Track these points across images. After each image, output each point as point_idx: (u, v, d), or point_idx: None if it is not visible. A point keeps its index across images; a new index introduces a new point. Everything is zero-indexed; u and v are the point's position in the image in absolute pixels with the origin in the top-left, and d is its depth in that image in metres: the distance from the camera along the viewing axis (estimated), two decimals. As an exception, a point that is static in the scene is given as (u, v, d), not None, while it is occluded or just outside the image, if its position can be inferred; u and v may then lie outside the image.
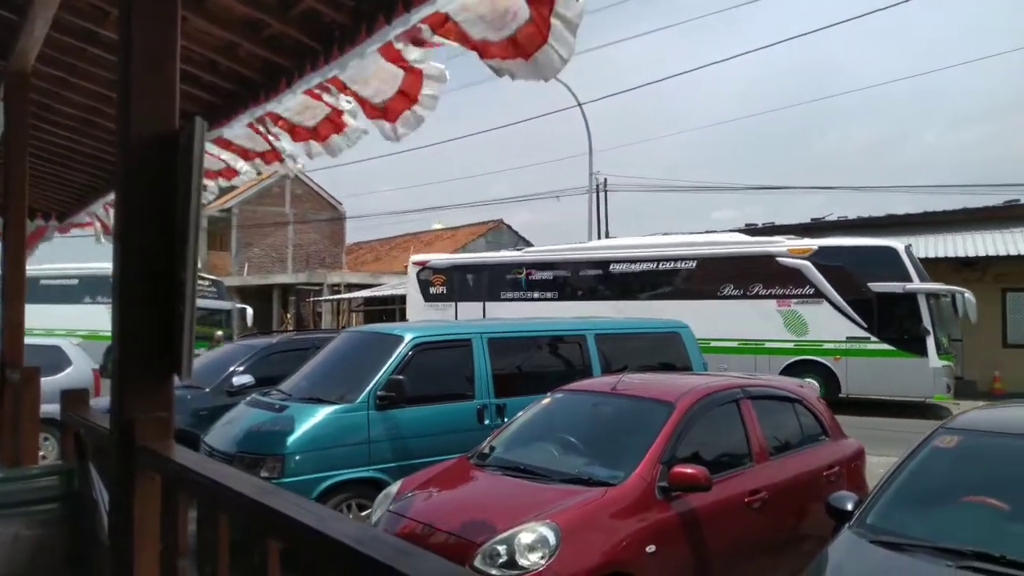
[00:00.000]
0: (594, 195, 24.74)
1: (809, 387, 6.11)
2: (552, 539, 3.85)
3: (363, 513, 5.64)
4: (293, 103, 3.22)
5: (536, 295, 17.82)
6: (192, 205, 1.56)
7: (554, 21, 1.93)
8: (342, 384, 6.42)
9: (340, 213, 37.22)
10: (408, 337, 6.57)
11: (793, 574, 3.48)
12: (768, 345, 15.07)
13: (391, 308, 30.15)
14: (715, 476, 4.43)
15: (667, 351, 8.59)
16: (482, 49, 2.16)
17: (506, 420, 6.13)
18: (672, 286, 16.40)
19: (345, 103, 3.01)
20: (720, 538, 4.46)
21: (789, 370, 14.61)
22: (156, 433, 1.56)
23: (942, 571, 3.07)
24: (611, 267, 17.11)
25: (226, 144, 4.00)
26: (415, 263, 19.80)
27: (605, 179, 25.45)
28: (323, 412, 6.00)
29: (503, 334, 7.34)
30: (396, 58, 2.58)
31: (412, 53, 2.48)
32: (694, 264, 16.17)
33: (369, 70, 2.60)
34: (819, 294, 14.70)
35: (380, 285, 31.91)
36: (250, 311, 23.98)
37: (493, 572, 3.78)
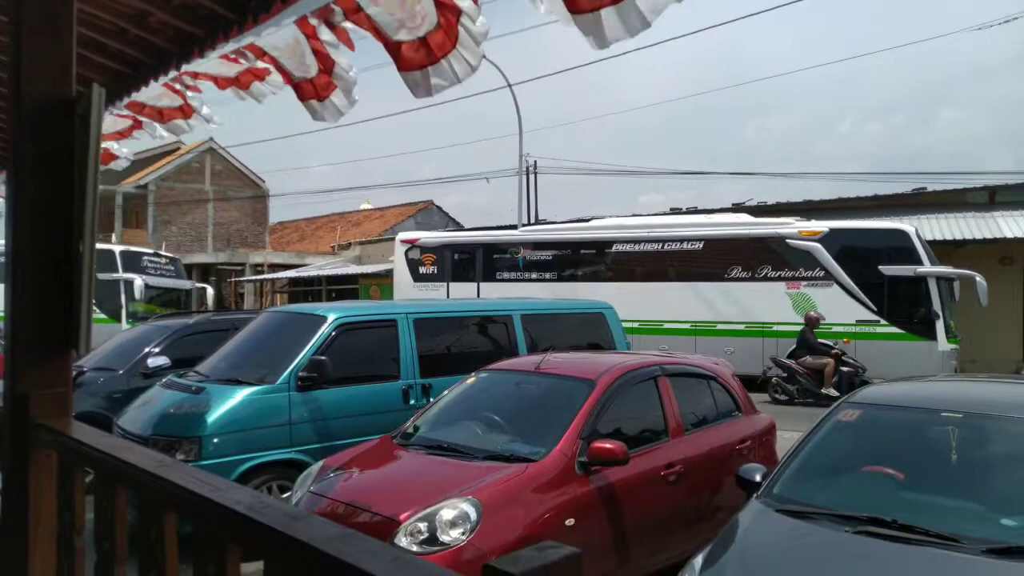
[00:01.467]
0: (524, 177, 24.80)
1: (724, 364, 6.32)
2: (473, 515, 3.89)
3: (284, 495, 5.57)
4: (211, 64, 3.12)
5: (534, 276, 17.30)
6: (89, 175, 1.50)
7: (461, 31, 1.97)
8: (262, 365, 6.29)
9: (263, 191, 36.22)
10: (331, 317, 6.48)
11: (706, 543, 3.62)
12: (776, 328, 14.77)
13: (317, 289, 29.64)
14: (633, 451, 4.56)
15: (592, 331, 8.73)
16: (395, 53, 2.17)
17: (432, 400, 6.14)
18: (678, 267, 15.97)
19: (263, 66, 2.94)
20: (638, 510, 4.60)
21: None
22: (53, 409, 1.50)
23: (840, 536, 3.25)
24: (614, 247, 16.59)
25: (139, 108, 3.84)
26: (403, 241, 18.95)
27: (535, 161, 25.57)
28: (242, 393, 5.88)
29: (429, 314, 7.33)
30: (312, 34, 2.53)
31: (325, 34, 2.44)
32: (701, 245, 15.72)
33: (287, 40, 2.55)
34: (829, 276, 14.46)
35: (306, 265, 31.29)
36: (211, 290, 22.41)
37: (415, 549, 3.80)
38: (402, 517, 3.91)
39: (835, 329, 14.31)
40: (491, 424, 5.06)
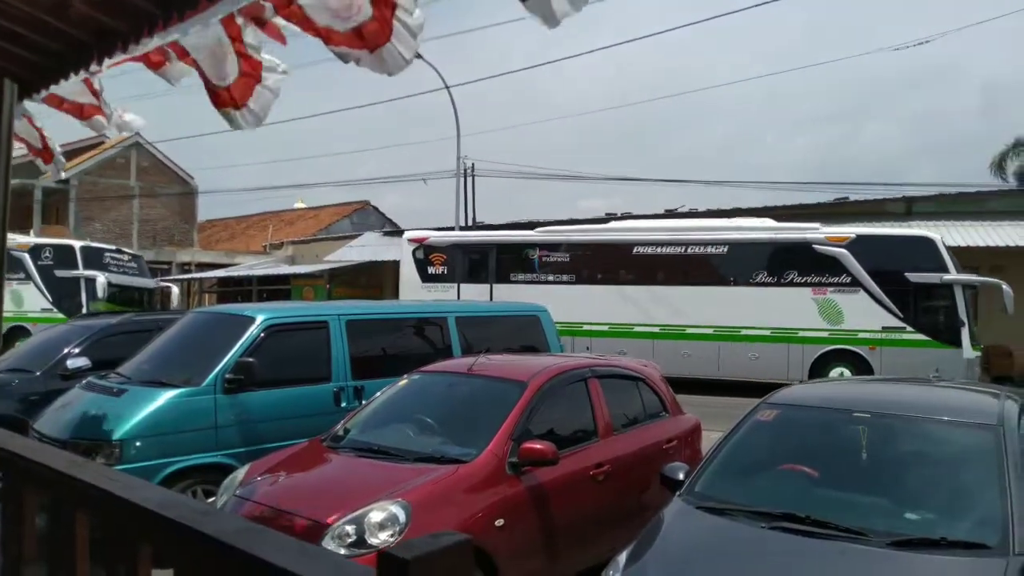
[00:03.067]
0: (462, 179, 24.80)
1: (652, 366, 6.47)
2: (402, 516, 3.89)
3: (210, 500, 5.44)
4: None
5: (551, 278, 16.77)
6: (0, 170, 1.46)
7: (396, 24, 1.98)
8: (187, 367, 6.14)
9: (191, 187, 35.19)
10: (260, 319, 6.36)
11: (632, 540, 3.72)
12: (801, 334, 14.62)
13: (247, 289, 28.98)
14: (563, 451, 4.63)
15: (527, 334, 8.80)
16: (327, 36, 2.16)
17: (364, 402, 6.09)
18: (701, 272, 15.63)
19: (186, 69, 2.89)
20: (567, 509, 4.67)
21: (822, 360, 14.43)
22: (-43, 410, 1.46)
23: (755, 531, 3.38)
24: (635, 250, 16.14)
25: (58, 102, 3.71)
26: (411, 240, 18.23)
27: (472, 164, 25.60)
28: (165, 396, 5.72)
29: (362, 316, 7.27)
30: (236, 36, 2.50)
31: (250, 36, 2.42)
32: (725, 249, 15.44)
33: (210, 40, 2.51)
34: (856, 283, 14.35)
35: (235, 265, 30.55)
36: (176, 289, 21.23)
37: (342, 552, 3.77)
38: (329, 520, 3.88)
39: (861, 336, 14.31)
40: (423, 426, 5.06)
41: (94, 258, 17.97)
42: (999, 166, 29.67)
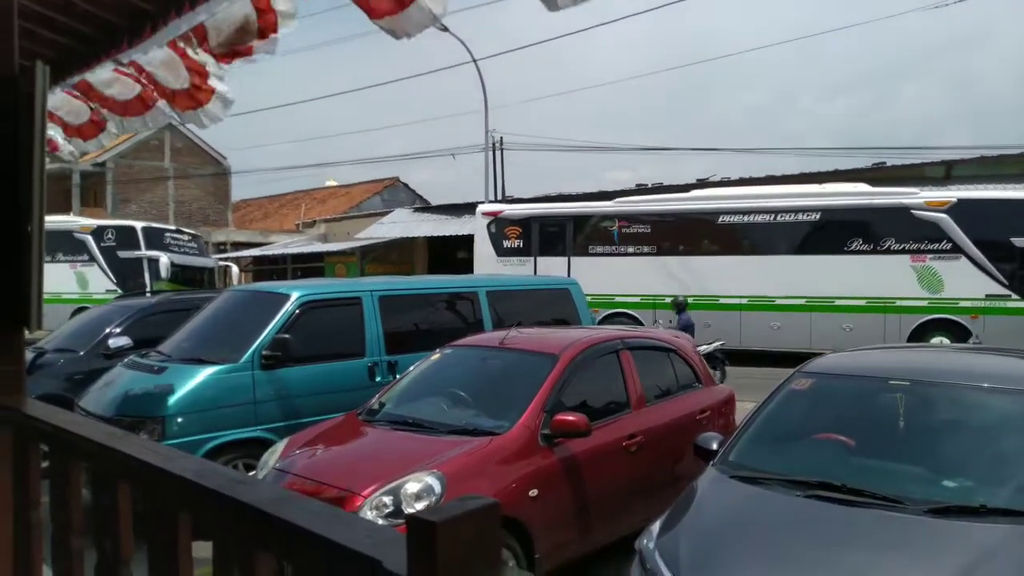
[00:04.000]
0: (490, 153, 24.72)
1: (684, 338, 6.44)
2: (438, 487, 3.95)
3: (250, 473, 5.58)
4: (158, 56, 3.07)
5: (631, 249, 16.25)
6: (36, 154, 1.49)
7: None
8: (225, 344, 6.25)
9: (224, 168, 35.60)
10: (295, 295, 6.45)
11: (665, 510, 3.73)
12: (899, 303, 14.02)
13: (282, 267, 29.35)
14: (595, 423, 4.65)
15: (558, 307, 8.80)
16: (364, 3, 2.16)
17: (397, 377, 6.16)
18: (791, 240, 14.94)
19: (209, 60, 2.91)
20: (599, 480, 4.70)
21: (921, 329, 13.90)
22: (5, 386, 1.51)
23: (790, 500, 3.37)
24: (720, 219, 15.50)
25: (87, 88, 3.76)
26: (485, 213, 17.87)
27: (501, 137, 25.47)
28: (205, 373, 5.85)
29: (394, 291, 7.33)
30: (267, 7, 2.52)
31: (281, 4, 2.43)
32: (818, 216, 14.69)
33: (235, 18, 2.53)
34: (957, 249, 13.68)
35: (270, 244, 30.93)
36: (235, 269, 21.33)
37: (380, 522, 3.85)
38: (366, 491, 3.96)
39: (962, 304, 13.70)
40: (456, 399, 5.11)
41: (156, 238, 17.93)
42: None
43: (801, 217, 14.90)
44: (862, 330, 13.88)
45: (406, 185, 37.18)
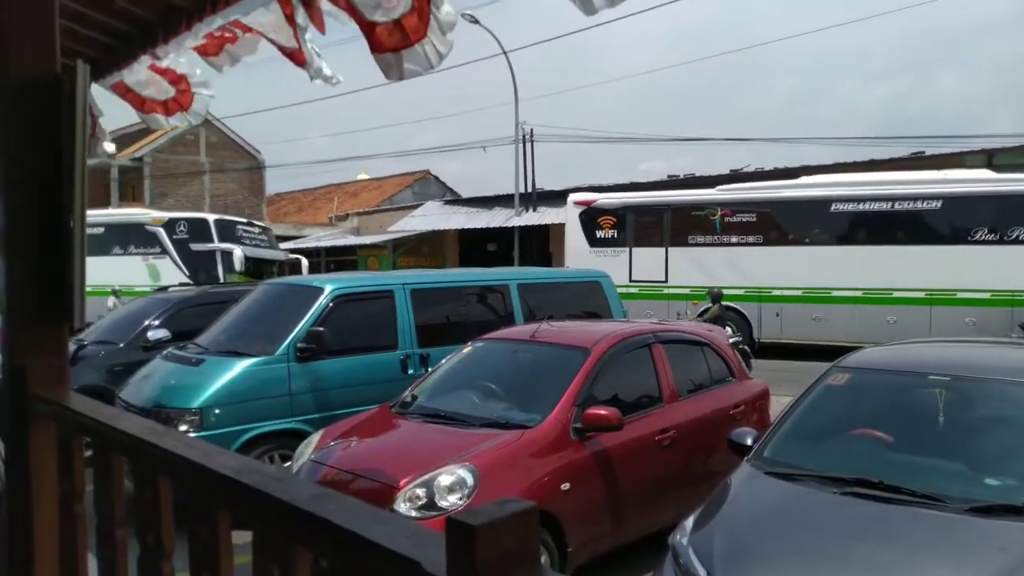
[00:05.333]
0: (521, 145, 24.69)
1: (717, 331, 6.37)
2: (470, 480, 3.97)
3: (286, 464, 5.65)
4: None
5: (735, 240, 15.47)
6: (77, 151, 1.52)
7: (432, 18, 1.98)
8: (261, 337, 6.35)
9: (259, 162, 36.01)
10: (328, 288, 6.52)
11: (699, 505, 3.71)
12: None
13: (315, 260, 29.66)
14: (627, 417, 4.63)
15: (589, 300, 8.77)
16: (369, 31, 2.16)
17: (430, 369, 6.20)
18: (910, 229, 14.13)
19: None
20: (632, 474, 4.69)
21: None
22: (49, 380, 1.55)
23: (827, 497, 3.32)
24: (832, 207, 14.66)
25: (124, 91, 3.83)
26: (577, 202, 17.12)
27: (531, 129, 25.39)
28: (241, 365, 5.94)
29: (426, 285, 7.37)
30: (290, 15, 2.53)
31: (300, 17, 2.44)
32: (939, 204, 13.82)
33: (271, 18, 2.54)
34: None
35: (304, 237, 31.27)
36: (305, 262, 20.68)
37: (414, 514, 3.88)
38: (401, 483, 3.99)
39: None
40: (488, 392, 5.12)
41: (228, 231, 17.75)
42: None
43: (921, 205, 14.04)
44: (986, 323, 13.11)
45: (437, 178, 37.29)
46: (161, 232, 17.46)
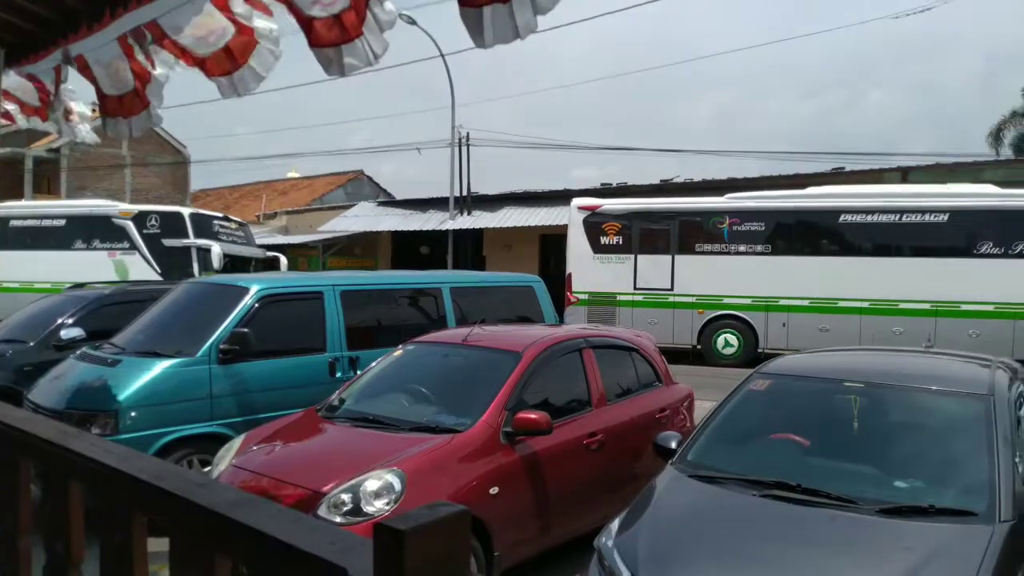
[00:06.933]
0: (456, 149, 24.63)
1: (646, 337, 6.50)
2: (398, 485, 3.93)
3: (205, 469, 5.48)
4: (107, 54, 2.99)
5: (743, 248, 15.43)
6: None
7: (369, 15, 1.96)
8: (181, 337, 6.14)
9: (184, 156, 34.86)
10: (254, 288, 6.35)
11: (625, 508, 3.76)
12: None
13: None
14: (557, 421, 4.67)
15: (522, 305, 8.80)
16: (308, 27, 2.13)
17: (358, 373, 6.11)
18: (917, 241, 14.30)
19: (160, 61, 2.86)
20: (560, 477, 4.72)
21: None
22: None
23: (747, 499, 3.43)
24: (841, 218, 14.76)
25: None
26: (581, 207, 16.77)
27: (467, 133, 25.37)
28: (160, 366, 5.73)
29: (356, 286, 7.26)
30: (223, 5, 2.47)
31: (238, 6, 2.39)
32: (946, 217, 13.99)
33: (194, 16, 2.47)
34: None
35: (230, 235, 30.34)
36: (284, 260, 19.52)
37: (338, 520, 3.81)
38: (325, 488, 3.92)
39: None
40: (418, 396, 5.09)
41: (204, 226, 16.50)
42: (996, 136, 29.66)
43: (929, 218, 14.19)
44: (990, 336, 13.26)
45: (370, 178, 36.82)
46: (130, 226, 16.25)
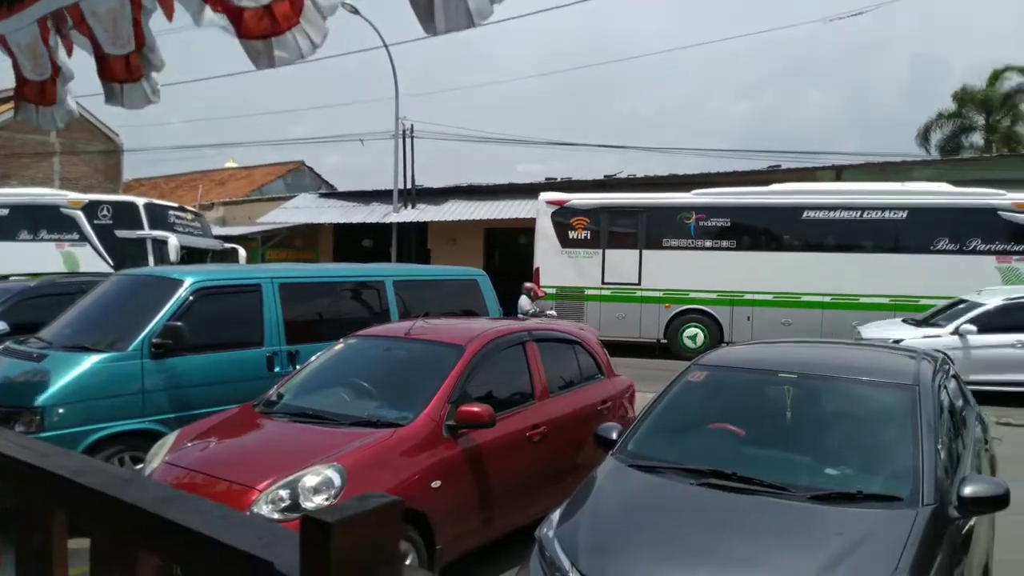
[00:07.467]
0: (400, 140, 24.39)
1: (589, 330, 6.56)
2: (337, 480, 3.88)
3: (137, 466, 5.32)
4: (26, 36, 2.84)
5: (709, 244, 15.72)
6: None
7: (308, 3, 1.89)
8: (112, 331, 5.93)
9: (116, 145, 33.64)
10: (188, 281, 6.18)
11: (566, 499, 3.80)
12: None
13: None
14: (500, 413, 4.68)
15: (466, 298, 8.78)
16: (236, 18, 2.04)
17: (298, 367, 6.01)
18: (877, 238, 14.77)
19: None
20: (503, 470, 4.74)
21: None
22: None
23: (685, 488, 3.49)
24: (804, 214, 15.14)
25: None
26: (550, 202, 16.78)
27: (411, 125, 25.12)
28: (89, 361, 5.53)
29: (296, 279, 7.13)
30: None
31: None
32: (904, 214, 14.53)
33: (110, 5, 2.36)
34: None
35: (165, 226, 29.45)
36: (243, 252, 18.82)
37: (276, 516, 3.75)
38: (262, 485, 3.84)
39: None
40: (359, 390, 5.03)
41: (160, 217, 15.77)
42: (923, 137, 30.92)
43: (888, 215, 14.73)
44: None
45: (311, 169, 36.18)
46: (80, 216, 15.41)
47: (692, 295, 15.83)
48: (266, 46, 1.97)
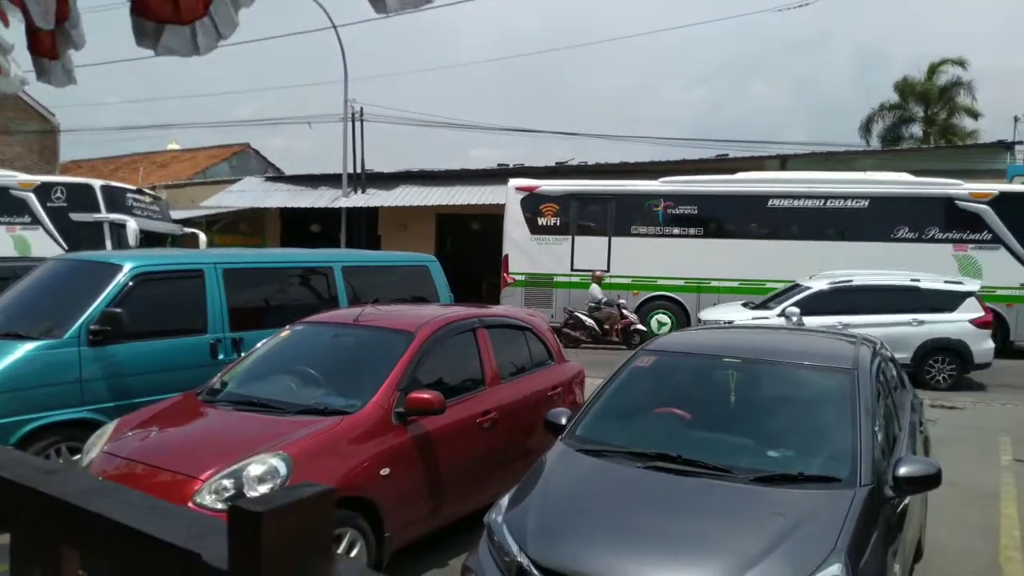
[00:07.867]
0: (349, 124, 24.02)
1: (539, 316, 6.58)
2: (283, 469, 3.82)
3: (75, 457, 5.15)
4: None
5: (676, 231, 15.98)
6: None
7: None
8: (47, 317, 5.72)
9: (53, 125, 32.36)
10: (128, 266, 5.98)
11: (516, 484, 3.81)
12: None
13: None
14: (450, 400, 4.66)
15: (416, 284, 8.71)
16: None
17: (243, 355, 5.89)
18: (838, 226, 15.23)
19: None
20: (453, 456, 4.73)
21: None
22: None
23: (632, 471, 3.54)
24: (769, 203, 15.51)
25: None
26: (519, 188, 16.74)
27: (361, 108, 24.76)
28: (23, 349, 5.32)
29: (240, 264, 6.97)
30: None
31: None
32: (866, 203, 15.02)
33: None
34: (996, 239, 14.41)
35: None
36: (203, 237, 18.14)
37: (219, 506, 3.67)
38: (205, 475, 3.76)
39: (1000, 292, 14.17)
40: (306, 378, 4.95)
41: (117, 200, 14.94)
42: (866, 128, 31.80)
43: (850, 204, 15.16)
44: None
45: (257, 152, 35.38)
46: (32, 198, 14.74)
47: (660, 282, 16.06)
48: (156, 30, 1.84)
